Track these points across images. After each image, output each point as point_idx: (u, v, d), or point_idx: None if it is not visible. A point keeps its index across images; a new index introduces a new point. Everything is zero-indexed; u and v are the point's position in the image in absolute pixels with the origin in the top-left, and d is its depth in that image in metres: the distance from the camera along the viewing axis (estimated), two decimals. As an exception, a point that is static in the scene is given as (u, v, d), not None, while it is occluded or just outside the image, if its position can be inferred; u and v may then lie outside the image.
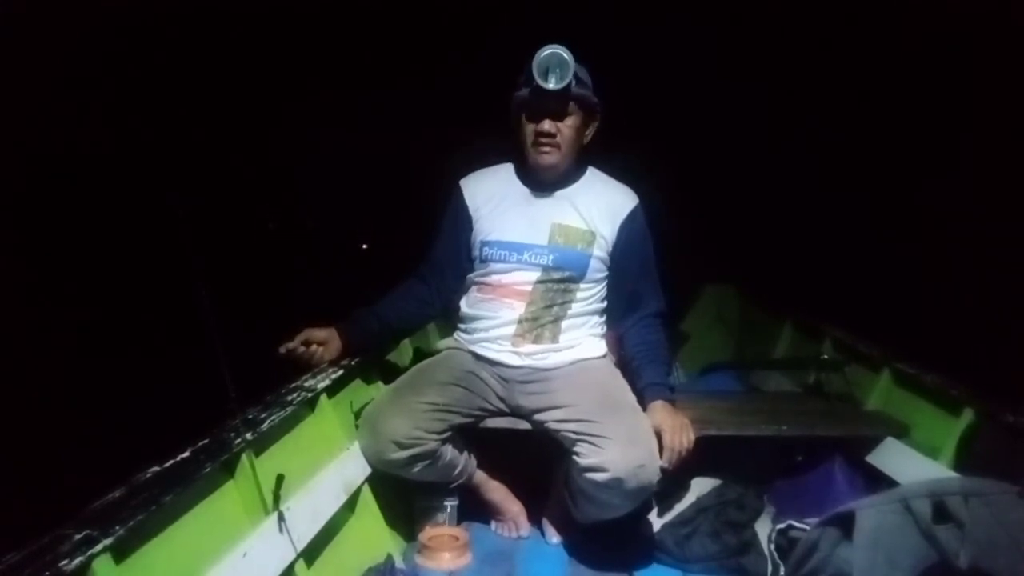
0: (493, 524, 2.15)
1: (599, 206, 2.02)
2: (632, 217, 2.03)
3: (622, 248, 2.02)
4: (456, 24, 4.01)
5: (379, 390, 2.16)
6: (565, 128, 1.93)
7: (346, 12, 3.98)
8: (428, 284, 2.11)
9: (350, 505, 1.84)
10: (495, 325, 2.02)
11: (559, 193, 2.02)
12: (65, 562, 1.00)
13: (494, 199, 2.05)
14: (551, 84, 1.84)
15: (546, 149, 1.95)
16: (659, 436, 1.79)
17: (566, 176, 2.03)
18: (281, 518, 1.45)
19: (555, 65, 1.84)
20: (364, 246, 3.86)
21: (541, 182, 2.03)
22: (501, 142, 2.06)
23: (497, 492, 2.12)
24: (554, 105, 1.90)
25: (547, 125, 1.91)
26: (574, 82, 1.87)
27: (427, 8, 3.99)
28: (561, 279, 1.99)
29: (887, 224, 3.19)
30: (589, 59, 1.94)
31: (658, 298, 2.07)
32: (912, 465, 2.03)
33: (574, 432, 1.82)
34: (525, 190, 2.03)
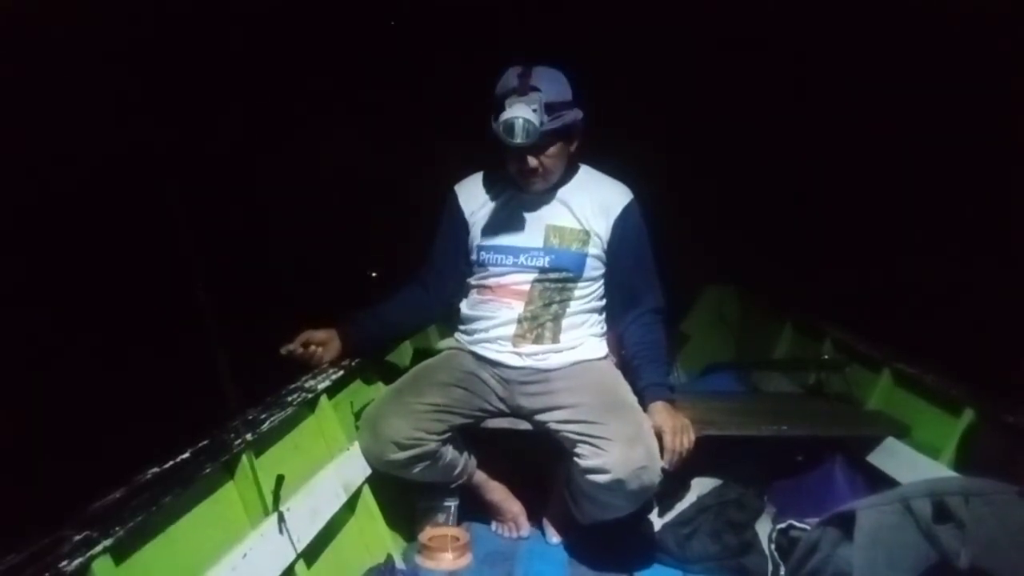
0: (493, 524, 2.15)
1: (592, 204, 2.02)
2: (626, 214, 2.03)
3: (616, 244, 2.03)
4: (453, 27, 3.99)
5: (379, 391, 2.16)
6: (547, 160, 1.93)
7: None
8: (427, 288, 2.12)
9: (350, 505, 1.84)
10: (495, 325, 2.02)
11: (552, 194, 2.03)
12: (65, 563, 1.00)
13: (488, 203, 2.06)
14: (519, 141, 1.82)
15: (532, 179, 1.96)
16: (659, 437, 1.80)
17: (558, 179, 2.03)
18: (281, 519, 1.45)
19: (520, 128, 1.80)
20: (373, 274, 3.79)
21: None
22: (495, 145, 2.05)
23: (497, 492, 2.12)
24: (530, 148, 1.88)
25: (529, 163, 1.92)
26: (546, 119, 1.83)
27: (422, 11, 3.97)
28: (558, 279, 2.00)
29: (887, 223, 3.19)
30: (587, 59, 1.92)
31: (655, 294, 2.07)
32: (912, 465, 2.03)
33: (575, 433, 1.83)
34: (519, 193, 2.04)
